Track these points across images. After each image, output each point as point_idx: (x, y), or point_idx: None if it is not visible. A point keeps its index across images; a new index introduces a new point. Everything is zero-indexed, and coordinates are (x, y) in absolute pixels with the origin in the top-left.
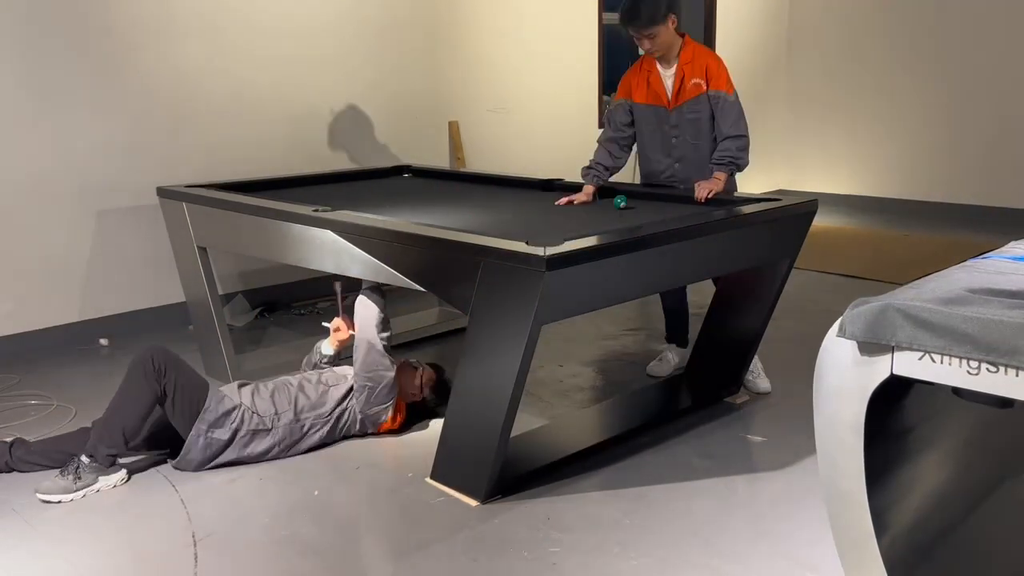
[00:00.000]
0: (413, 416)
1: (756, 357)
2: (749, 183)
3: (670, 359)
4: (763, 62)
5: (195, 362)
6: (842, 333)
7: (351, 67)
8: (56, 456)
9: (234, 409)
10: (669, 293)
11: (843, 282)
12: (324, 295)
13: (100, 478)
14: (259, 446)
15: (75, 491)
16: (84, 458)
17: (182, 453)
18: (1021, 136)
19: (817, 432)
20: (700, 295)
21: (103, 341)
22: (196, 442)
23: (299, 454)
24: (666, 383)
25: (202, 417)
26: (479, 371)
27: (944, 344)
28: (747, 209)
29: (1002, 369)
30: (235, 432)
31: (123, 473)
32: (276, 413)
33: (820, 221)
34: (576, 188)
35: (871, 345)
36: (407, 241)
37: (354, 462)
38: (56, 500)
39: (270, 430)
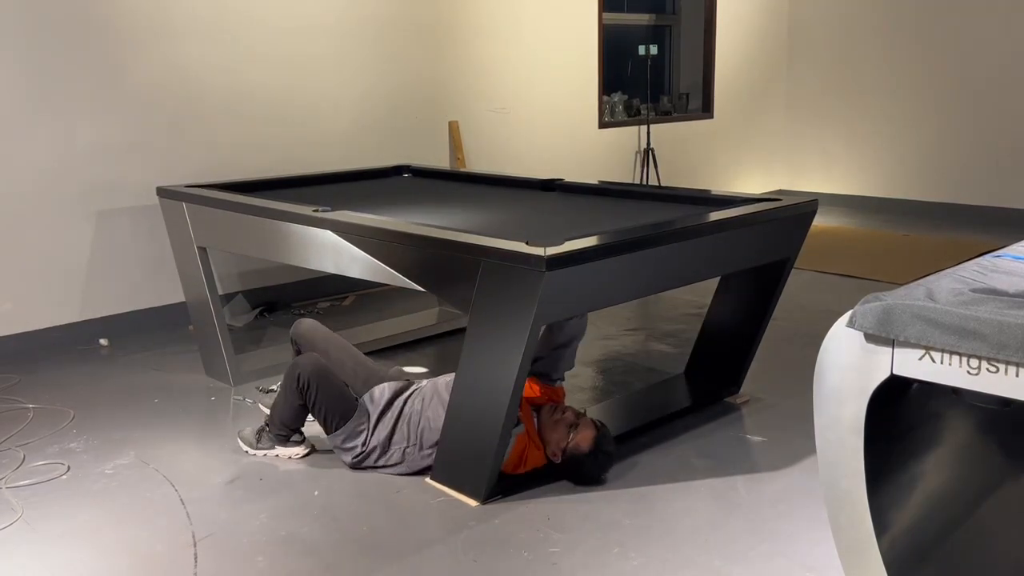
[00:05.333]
0: None
1: None
2: (749, 183)
3: None
4: (763, 62)
5: (195, 362)
6: (852, 324)
7: (351, 66)
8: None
9: (363, 450)
10: None
11: (843, 282)
12: (324, 295)
13: (277, 447)
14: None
15: (254, 450)
16: (267, 427)
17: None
18: (1021, 136)
19: (817, 432)
20: (700, 295)
21: (103, 341)
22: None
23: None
24: (666, 383)
25: (332, 439)
26: (479, 371)
27: (953, 341)
28: (747, 209)
29: (1002, 369)
30: (359, 463)
31: (303, 448)
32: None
33: (820, 221)
34: (576, 188)
35: (873, 344)
36: (407, 241)
37: None
38: (244, 450)
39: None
